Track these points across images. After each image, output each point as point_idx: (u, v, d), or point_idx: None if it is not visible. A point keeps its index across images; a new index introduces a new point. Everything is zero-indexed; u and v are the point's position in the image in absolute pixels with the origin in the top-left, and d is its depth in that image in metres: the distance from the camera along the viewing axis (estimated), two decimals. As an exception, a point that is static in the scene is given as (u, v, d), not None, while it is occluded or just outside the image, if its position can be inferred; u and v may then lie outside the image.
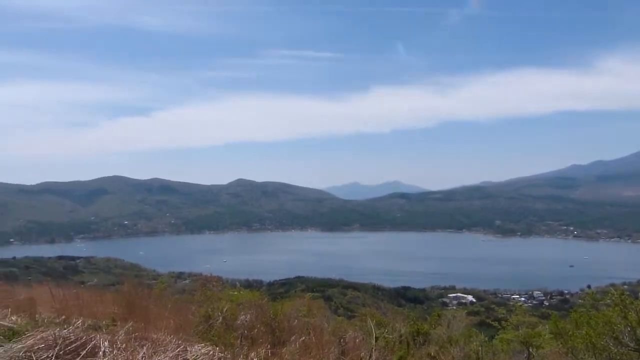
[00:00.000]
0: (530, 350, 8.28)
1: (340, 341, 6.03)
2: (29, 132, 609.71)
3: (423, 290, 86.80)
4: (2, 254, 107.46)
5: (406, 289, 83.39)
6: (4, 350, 4.15)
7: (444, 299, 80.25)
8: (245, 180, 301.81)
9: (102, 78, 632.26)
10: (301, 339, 5.47)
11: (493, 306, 32.78)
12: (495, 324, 9.82)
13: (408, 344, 8.71)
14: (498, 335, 9.42)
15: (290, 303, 10.33)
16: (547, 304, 77.84)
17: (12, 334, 4.82)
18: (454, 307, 51.56)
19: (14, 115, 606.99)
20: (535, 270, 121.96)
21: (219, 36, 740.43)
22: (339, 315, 20.73)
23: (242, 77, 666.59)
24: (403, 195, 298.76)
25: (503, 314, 10.48)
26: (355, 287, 75.34)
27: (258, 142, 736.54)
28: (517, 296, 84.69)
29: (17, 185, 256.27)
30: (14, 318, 5.53)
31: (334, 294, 64.85)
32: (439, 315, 10.66)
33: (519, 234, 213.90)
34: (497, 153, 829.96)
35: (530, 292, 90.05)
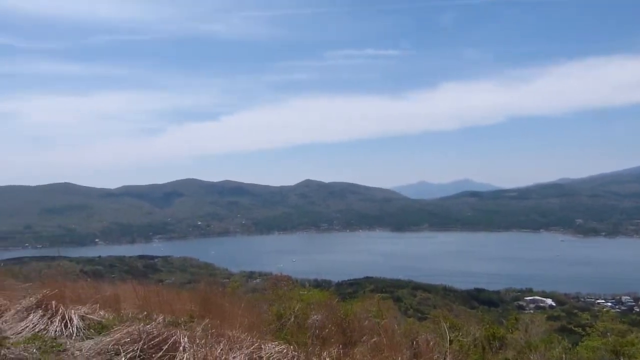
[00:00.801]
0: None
1: (412, 343, 5.96)
2: (110, 140, 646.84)
3: (497, 292, 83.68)
4: (88, 253, 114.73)
5: (479, 290, 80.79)
6: (95, 343, 4.45)
7: (520, 302, 76.91)
8: (312, 181, 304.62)
9: (174, 86, 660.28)
10: (372, 340, 5.45)
11: (575, 311, 31.09)
12: (579, 330, 9.32)
13: (483, 348, 8.45)
14: (582, 342, 8.92)
15: (360, 303, 10.30)
16: (637, 309, 72.59)
17: (101, 328, 5.15)
18: (532, 311, 49.29)
19: (96, 124, 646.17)
20: (623, 273, 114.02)
21: (282, 40, 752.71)
22: (409, 317, 20.46)
23: (307, 79, 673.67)
24: (474, 194, 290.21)
25: (587, 319, 9.94)
26: (425, 288, 73.98)
27: (324, 143, 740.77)
28: (603, 301, 79.36)
29: (100, 189, 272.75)
30: (102, 313, 5.90)
31: (404, 295, 64.03)
32: (516, 319, 10.23)
33: (604, 233, 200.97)
34: (575, 148, 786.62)
35: (618, 297, 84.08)
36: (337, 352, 4.63)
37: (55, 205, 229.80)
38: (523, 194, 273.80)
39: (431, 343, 5.95)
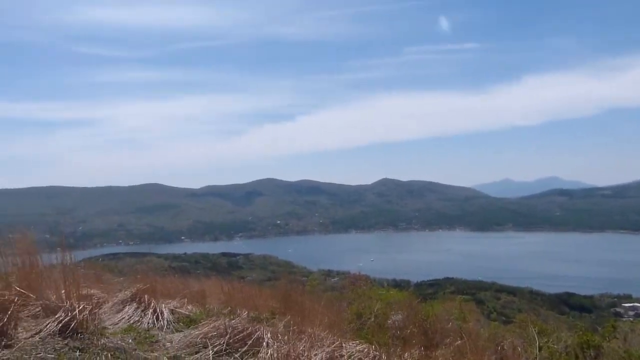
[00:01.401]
0: None
1: (497, 348, 5.74)
2: (194, 142, 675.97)
3: (590, 297, 78.47)
4: (175, 250, 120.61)
5: (569, 295, 76.20)
6: (184, 335, 4.67)
7: (618, 309, 71.56)
8: (390, 179, 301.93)
9: (252, 88, 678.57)
10: (456, 343, 5.31)
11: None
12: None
13: (576, 357, 7.97)
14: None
15: (441, 305, 10.08)
16: None
17: (190, 321, 5.40)
18: (631, 319, 45.70)
19: (181, 127, 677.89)
20: None
21: (358, 38, 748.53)
22: (492, 320, 19.71)
23: (383, 76, 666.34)
24: (563, 192, 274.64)
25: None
26: (509, 290, 70.97)
27: (402, 140, 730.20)
28: None
29: (185, 189, 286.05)
30: (189, 307, 6.18)
31: (487, 297, 61.79)
32: (613, 327, 9.54)
33: None
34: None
35: None
36: (418, 353, 4.56)
37: (145, 204, 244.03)
38: (620, 192, 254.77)
39: (518, 349, 5.69)
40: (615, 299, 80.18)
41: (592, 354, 7.92)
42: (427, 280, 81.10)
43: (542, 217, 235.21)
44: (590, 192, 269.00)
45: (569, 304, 68.97)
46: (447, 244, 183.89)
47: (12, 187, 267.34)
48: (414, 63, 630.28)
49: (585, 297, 77.17)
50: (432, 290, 59.79)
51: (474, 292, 62.82)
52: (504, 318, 32.98)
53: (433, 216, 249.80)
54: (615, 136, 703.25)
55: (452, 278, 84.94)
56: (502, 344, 5.79)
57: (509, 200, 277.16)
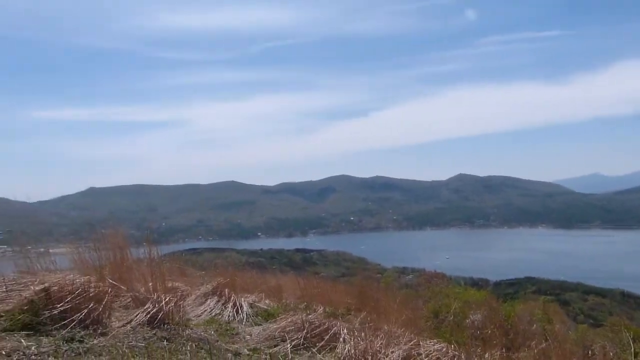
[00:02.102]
0: None
1: (586, 352, 5.43)
2: (268, 140, 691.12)
3: (690, 301, 72.40)
4: (252, 246, 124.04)
5: (667, 298, 70.65)
6: (263, 329, 4.80)
7: None
8: (466, 175, 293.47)
9: (324, 86, 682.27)
10: (540, 345, 5.08)
11: None
12: None
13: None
14: None
15: (522, 305, 9.69)
16: None
17: (267, 315, 5.54)
18: None
19: (256, 126, 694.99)
20: None
21: (430, 31, 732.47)
22: (579, 323, 18.66)
23: (457, 69, 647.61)
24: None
25: None
26: (598, 292, 66.75)
27: (479, 134, 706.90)
28: None
29: (261, 186, 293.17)
30: (267, 301, 6.34)
31: (572, 299, 58.51)
32: None
33: None
34: None
35: None
36: (499, 354, 4.41)
37: (223, 201, 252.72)
38: None
39: (610, 354, 5.36)
40: None
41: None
42: (507, 280, 78.00)
43: (634, 214, 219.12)
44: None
45: (666, 308, 63.92)
46: (528, 242, 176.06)
47: (102, 186, 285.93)
48: (490, 54, 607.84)
49: (684, 301, 71.19)
50: (512, 290, 57.46)
51: (557, 292, 59.73)
52: (591, 321, 31.17)
53: (513, 213, 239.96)
54: None
55: (534, 278, 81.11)
56: (591, 348, 5.47)
57: (597, 196, 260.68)
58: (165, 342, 3.93)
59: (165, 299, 4.41)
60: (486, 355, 4.15)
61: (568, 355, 4.41)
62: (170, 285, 5.24)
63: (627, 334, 6.07)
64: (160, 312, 4.29)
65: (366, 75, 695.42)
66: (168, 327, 4.25)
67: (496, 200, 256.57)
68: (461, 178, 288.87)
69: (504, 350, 4.76)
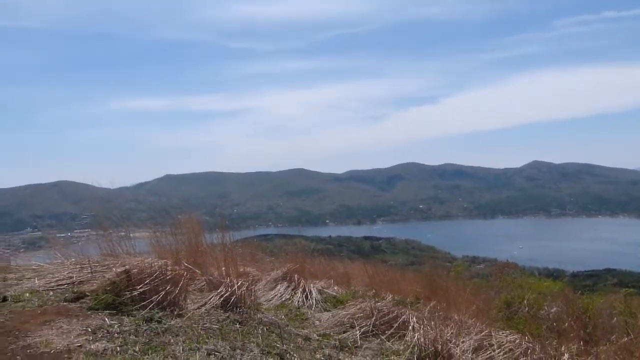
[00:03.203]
0: None
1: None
2: (337, 128, 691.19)
3: None
4: (320, 233, 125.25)
5: None
6: (332, 315, 4.86)
7: None
8: (541, 162, 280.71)
9: (390, 73, 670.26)
10: (622, 340, 4.81)
11: None
12: None
13: None
14: None
15: (602, 298, 9.19)
16: None
17: (336, 302, 5.59)
18: None
19: (324, 114, 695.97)
20: None
21: (502, 14, 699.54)
22: (666, 318, 17.50)
23: (533, 52, 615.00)
24: None
25: None
26: (686, 285, 62.27)
27: (555, 120, 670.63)
28: None
29: (330, 174, 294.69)
30: (336, 288, 6.40)
31: (657, 292, 54.93)
32: None
33: None
34: None
35: None
36: (577, 348, 4.23)
37: (292, 189, 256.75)
38: None
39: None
40: None
41: None
42: (585, 271, 74.21)
43: None
44: None
45: None
46: (608, 232, 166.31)
47: (176, 173, 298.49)
48: (567, 36, 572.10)
49: None
50: (590, 281, 54.59)
51: (641, 285, 56.22)
52: (680, 316, 29.13)
53: (591, 201, 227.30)
54: None
55: (614, 269, 76.66)
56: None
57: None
58: (238, 325, 4.08)
59: (237, 283, 4.57)
60: (562, 348, 3.98)
61: (653, 352, 4.15)
62: (242, 270, 5.42)
63: None
64: (233, 295, 4.45)
65: (436, 61, 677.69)
66: (240, 310, 4.40)
67: (573, 188, 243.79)
68: (536, 165, 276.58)
69: (581, 343, 4.55)
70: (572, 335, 4.91)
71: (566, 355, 3.84)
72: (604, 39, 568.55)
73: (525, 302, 6.56)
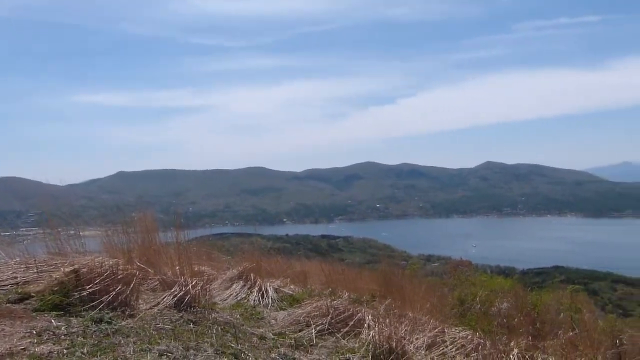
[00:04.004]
0: None
1: (615, 342, 5.33)
2: (298, 126, 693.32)
3: None
4: (277, 232, 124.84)
5: (700, 289, 68.81)
6: (288, 314, 4.83)
7: None
8: (494, 162, 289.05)
9: (354, 72, 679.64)
10: (567, 334, 5.01)
11: None
12: None
13: None
14: None
15: (550, 294, 9.54)
16: None
17: (293, 300, 5.58)
18: None
19: (286, 112, 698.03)
20: None
21: (465, 17, 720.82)
22: (607, 313, 18.34)
23: (490, 55, 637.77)
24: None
25: None
26: (627, 282, 65.36)
27: (508, 122, 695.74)
28: None
29: (288, 172, 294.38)
30: (292, 287, 6.38)
31: (601, 288, 57.58)
32: None
33: None
34: None
35: None
36: (525, 343, 4.36)
37: (250, 187, 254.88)
38: None
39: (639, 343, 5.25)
40: None
41: None
42: (534, 269, 76.92)
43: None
44: None
45: (701, 299, 62.27)
46: (556, 231, 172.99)
47: (130, 170, 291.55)
48: (526, 40, 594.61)
49: None
50: (539, 279, 56.56)
51: (586, 282, 58.57)
52: (620, 311, 30.61)
53: (541, 201, 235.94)
54: None
55: (562, 267, 79.79)
56: (620, 338, 5.36)
57: (629, 184, 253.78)
58: (191, 325, 4.00)
59: (192, 282, 4.48)
60: (512, 344, 4.10)
61: (595, 345, 4.33)
62: (197, 269, 5.32)
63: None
64: (187, 295, 4.36)
65: (397, 62, 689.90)
66: (194, 310, 4.32)
67: (524, 188, 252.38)
68: (489, 166, 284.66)
69: (530, 338, 4.70)
70: (521, 330, 5.06)
71: (515, 350, 3.95)
72: (558, 44, 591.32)
73: (477, 299, 6.74)
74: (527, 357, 3.92)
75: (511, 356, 3.88)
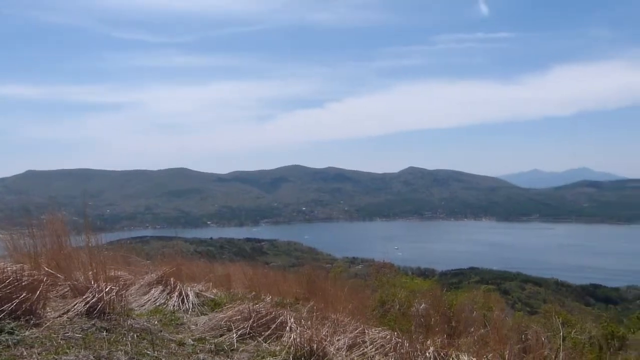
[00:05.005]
0: None
1: (521, 337, 5.66)
2: (223, 127, 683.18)
3: (617, 289, 76.91)
4: (201, 235, 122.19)
5: (596, 286, 74.91)
6: (209, 319, 4.72)
7: (644, 301, 70.27)
8: (416, 168, 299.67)
9: (281, 75, 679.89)
10: (479, 332, 5.26)
11: None
12: None
13: (600, 348, 7.83)
14: None
15: (466, 294, 10.01)
16: None
17: (214, 305, 5.46)
18: (657, 311, 44.78)
19: (211, 113, 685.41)
20: None
21: (390, 26, 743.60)
22: (517, 310, 19.50)
23: (413, 64, 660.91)
24: (593, 184, 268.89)
25: None
26: (535, 281, 70.05)
27: (429, 129, 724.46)
28: None
29: (213, 174, 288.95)
30: (214, 291, 6.25)
31: (512, 288, 61.22)
32: (639, 319, 9.37)
33: None
34: None
35: None
36: (441, 341, 4.53)
37: (173, 189, 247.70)
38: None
39: (542, 338, 5.61)
40: (642, 292, 78.47)
41: (616, 345, 7.77)
42: (452, 270, 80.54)
43: (570, 208, 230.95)
44: (621, 184, 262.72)
45: (595, 296, 67.85)
46: (472, 234, 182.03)
47: (41, 169, 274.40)
48: (446, 52, 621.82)
49: (611, 289, 75.67)
50: (456, 279, 59.43)
51: (499, 282, 62.22)
52: (528, 309, 32.66)
53: (459, 206, 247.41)
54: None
55: (477, 268, 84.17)
56: (525, 333, 5.71)
57: (537, 190, 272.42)
58: (104, 333, 3.80)
59: (106, 288, 4.26)
60: (428, 342, 4.24)
61: (504, 340, 4.58)
62: (112, 274, 5.07)
63: (557, 320, 6.39)
64: (101, 301, 4.15)
65: (324, 66, 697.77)
66: (109, 317, 4.12)
67: (444, 193, 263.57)
68: (411, 171, 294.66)
69: (445, 337, 4.89)
70: (437, 329, 5.25)
71: (431, 349, 4.09)
72: (475, 58, 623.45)
73: (397, 300, 6.93)
74: (442, 354, 4.07)
75: (427, 354, 4.01)
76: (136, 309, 4.98)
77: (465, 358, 4.07)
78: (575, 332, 7.68)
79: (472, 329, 5.52)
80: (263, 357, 3.96)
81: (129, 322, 4.15)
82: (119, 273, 5.60)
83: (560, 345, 5.34)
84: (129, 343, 3.68)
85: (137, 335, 3.89)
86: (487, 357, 4.11)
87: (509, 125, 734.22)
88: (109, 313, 4.15)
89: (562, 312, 10.17)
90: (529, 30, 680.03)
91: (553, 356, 5.08)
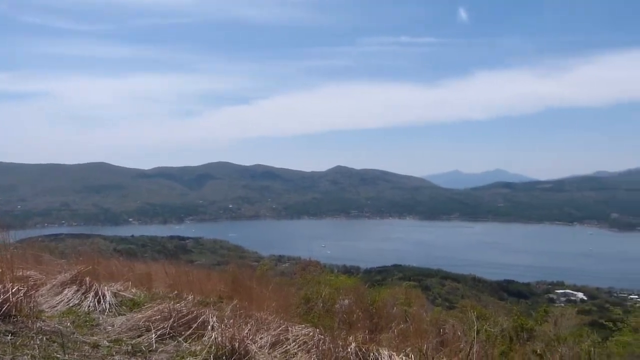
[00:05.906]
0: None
1: (439, 331, 5.91)
2: (146, 121, 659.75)
3: (527, 284, 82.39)
4: (122, 232, 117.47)
5: (509, 282, 79.69)
6: (127, 319, 4.55)
7: (551, 295, 75.49)
8: (344, 167, 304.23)
9: (208, 69, 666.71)
10: (400, 327, 5.43)
11: (607, 305, 30.16)
12: (610, 324, 9.10)
13: (511, 339, 8.33)
14: (613, 337, 8.71)
15: (388, 291, 10.29)
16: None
17: (133, 305, 5.27)
18: (562, 305, 48.19)
19: (134, 106, 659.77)
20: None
21: (318, 26, 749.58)
22: (437, 306, 20.32)
23: (340, 65, 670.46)
24: (507, 185, 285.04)
25: (619, 314, 9.68)
26: (454, 278, 73.35)
27: (357, 129, 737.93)
28: (637, 296, 77.06)
29: (135, 169, 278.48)
30: (134, 290, 6.03)
31: (432, 284, 63.69)
32: (545, 312, 10.03)
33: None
34: (613, 140, 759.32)
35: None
36: (363, 337, 4.63)
37: (91, 184, 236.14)
38: (558, 186, 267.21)
39: (458, 332, 5.89)
40: (550, 286, 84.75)
41: (525, 336, 8.30)
42: (376, 267, 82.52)
43: (487, 208, 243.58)
44: (532, 186, 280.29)
45: (509, 291, 72.07)
46: (397, 232, 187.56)
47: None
48: (372, 54, 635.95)
49: (523, 284, 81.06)
50: (380, 276, 60.84)
51: (420, 278, 64.43)
52: (447, 304, 34.12)
53: (384, 204, 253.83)
54: (557, 133, 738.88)
55: (401, 265, 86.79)
56: (443, 327, 5.96)
57: (457, 191, 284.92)
58: (9, 337, 3.56)
59: (12, 288, 4.00)
60: (350, 338, 4.32)
61: (423, 334, 4.76)
62: (21, 273, 4.77)
63: (473, 314, 6.73)
64: (6, 303, 3.88)
65: (252, 63, 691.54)
66: (15, 319, 3.86)
67: (370, 192, 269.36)
68: (339, 170, 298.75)
69: (367, 332, 5.00)
70: (359, 325, 5.36)
71: (353, 345, 4.16)
72: (400, 60, 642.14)
73: (321, 297, 7.00)
74: (363, 350, 4.15)
75: (349, 349, 4.08)
76: (47, 310, 4.71)
77: (386, 353, 4.17)
78: (488, 325, 8.12)
79: (393, 324, 5.68)
80: (183, 357, 3.87)
81: (37, 324, 3.92)
82: (29, 273, 5.28)
83: (474, 337, 5.62)
84: (36, 346, 3.47)
85: (46, 338, 3.68)
86: (406, 351, 4.25)
87: (432, 127, 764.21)
88: (15, 315, 3.90)
89: (477, 306, 10.71)
90: (453, 36, 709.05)
91: (468, 348, 5.33)
